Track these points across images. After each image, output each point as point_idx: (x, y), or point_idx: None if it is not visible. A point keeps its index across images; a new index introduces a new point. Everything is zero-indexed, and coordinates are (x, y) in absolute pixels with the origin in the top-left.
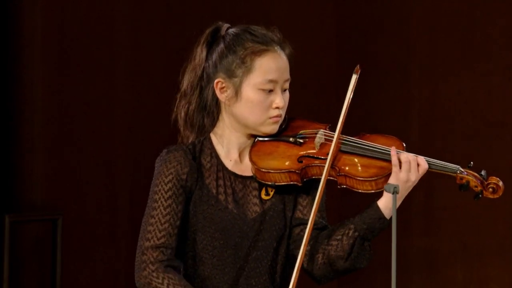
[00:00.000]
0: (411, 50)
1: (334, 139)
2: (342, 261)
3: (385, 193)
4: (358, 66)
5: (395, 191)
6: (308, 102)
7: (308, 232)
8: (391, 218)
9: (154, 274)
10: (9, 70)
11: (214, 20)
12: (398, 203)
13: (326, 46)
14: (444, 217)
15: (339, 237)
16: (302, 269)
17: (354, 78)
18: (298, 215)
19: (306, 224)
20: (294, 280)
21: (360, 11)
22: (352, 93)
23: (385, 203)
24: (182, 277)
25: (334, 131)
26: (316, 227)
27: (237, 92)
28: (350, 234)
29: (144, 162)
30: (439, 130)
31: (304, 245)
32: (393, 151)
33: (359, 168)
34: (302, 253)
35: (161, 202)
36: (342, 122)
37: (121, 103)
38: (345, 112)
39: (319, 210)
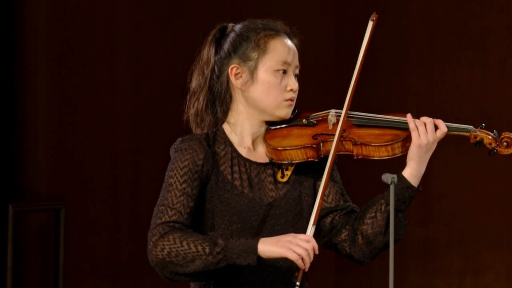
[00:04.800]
0: (408, 42)
1: (348, 95)
2: (380, 237)
3: (408, 162)
4: (374, 13)
5: (392, 181)
6: (306, 98)
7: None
8: (419, 186)
9: (165, 239)
10: (13, 62)
11: (212, 14)
12: (423, 168)
13: (324, 40)
14: (440, 206)
15: (372, 214)
16: (345, 255)
17: (370, 25)
18: (324, 205)
19: (335, 211)
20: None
21: (358, 4)
22: (368, 41)
23: (411, 172)
24: (192, 231)
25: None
26: (346, 211)
27: (252, 75)
28: (383, 209)
29: (146, 153)
30: None
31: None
32: (409, 117)
33: (374, 136)
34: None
35: (176, 185)
36: (356, 77)
37: (124, 94)
38: (360, 66)
39: (342, 193)
